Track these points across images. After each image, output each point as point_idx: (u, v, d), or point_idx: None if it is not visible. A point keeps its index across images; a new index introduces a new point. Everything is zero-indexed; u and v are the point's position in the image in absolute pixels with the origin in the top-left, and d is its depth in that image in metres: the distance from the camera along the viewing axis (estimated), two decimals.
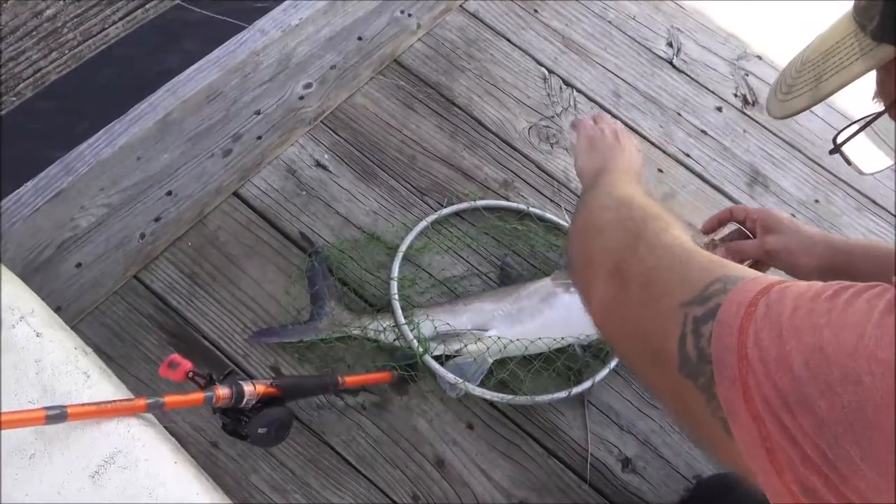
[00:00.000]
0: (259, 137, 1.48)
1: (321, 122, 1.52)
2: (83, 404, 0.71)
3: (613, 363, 1.28)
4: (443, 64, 1.66)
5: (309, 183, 1.45)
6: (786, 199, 1.65)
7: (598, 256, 0.70)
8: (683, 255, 0.61)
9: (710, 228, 1.15)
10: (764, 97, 1.80)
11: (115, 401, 0.74)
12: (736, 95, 1.79)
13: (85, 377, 0.77)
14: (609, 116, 1.46)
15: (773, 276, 0.53)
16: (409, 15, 1.70)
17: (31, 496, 0.70)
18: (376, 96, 1.58)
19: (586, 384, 1.25)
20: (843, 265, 0.97)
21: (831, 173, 1.71)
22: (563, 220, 1.46)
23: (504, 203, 1.47)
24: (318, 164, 1.47)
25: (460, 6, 1.75)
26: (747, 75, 1.83)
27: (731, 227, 1.14)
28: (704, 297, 0.53)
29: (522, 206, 1.47)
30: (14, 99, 0.93)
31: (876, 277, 1.08)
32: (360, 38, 1.64)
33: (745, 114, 1.76)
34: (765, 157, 1.70)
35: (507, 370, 1.25)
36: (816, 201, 1.66)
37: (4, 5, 0.79)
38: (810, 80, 0.70)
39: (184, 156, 1.43)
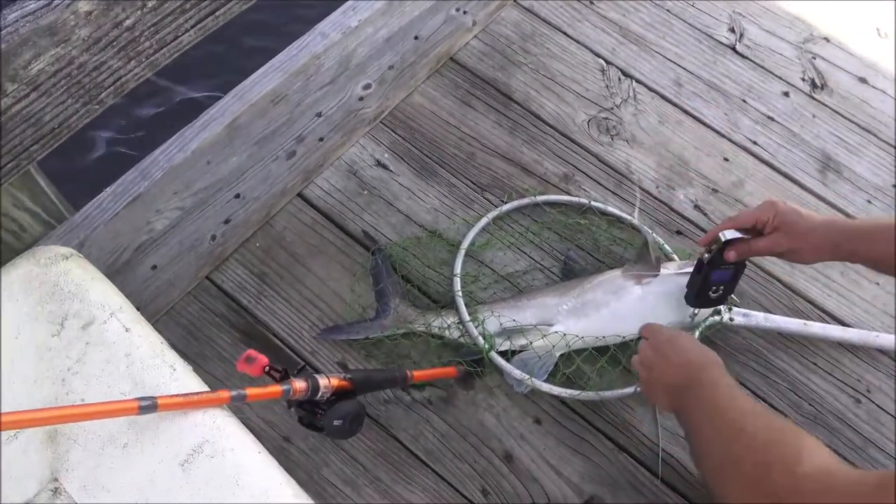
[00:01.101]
0: (321, 139, 1.51)
1: (380, 121, 1.54)
2: (172, 395, 0.74)
3: None
4: (499, 60, 1.66)
5: (370, 182, 1.47)
6: (861, 186, 1.58)
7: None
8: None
9: (707, 243, 1.15)
10: (833, 80, 1.73)
11: (200, 392, 0.76)
12: (804, 79, 1.72)
13: (171, 370, 0.80)
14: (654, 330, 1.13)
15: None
16: (465, 12, 1.70)
17: (125, 484, 0.73)
18: (434, 94, 1.59)
19: None
20: (847, 253, 1.04)
21: None
22: (626, 213, 1.44)
23: (565, 198, 1.46)
24: (379, 164, 1.49)
25: (515, 1, 1.75)
26: (815, 58, 1.76)
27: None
28: None
29: (584, 201, 1.45)
30: (97, 107, 0.97)
31: (882, 261, 1.04)
32: (416, 38, 1.65)
33: (814, 98, 1.70)
34: (837, 143, 1.64)
35: (574, 365, 1.23)
36: (895, 186, 1.58)
37: (89, 17, 0.83)
38: None
39: (251, 159, 1.47)
